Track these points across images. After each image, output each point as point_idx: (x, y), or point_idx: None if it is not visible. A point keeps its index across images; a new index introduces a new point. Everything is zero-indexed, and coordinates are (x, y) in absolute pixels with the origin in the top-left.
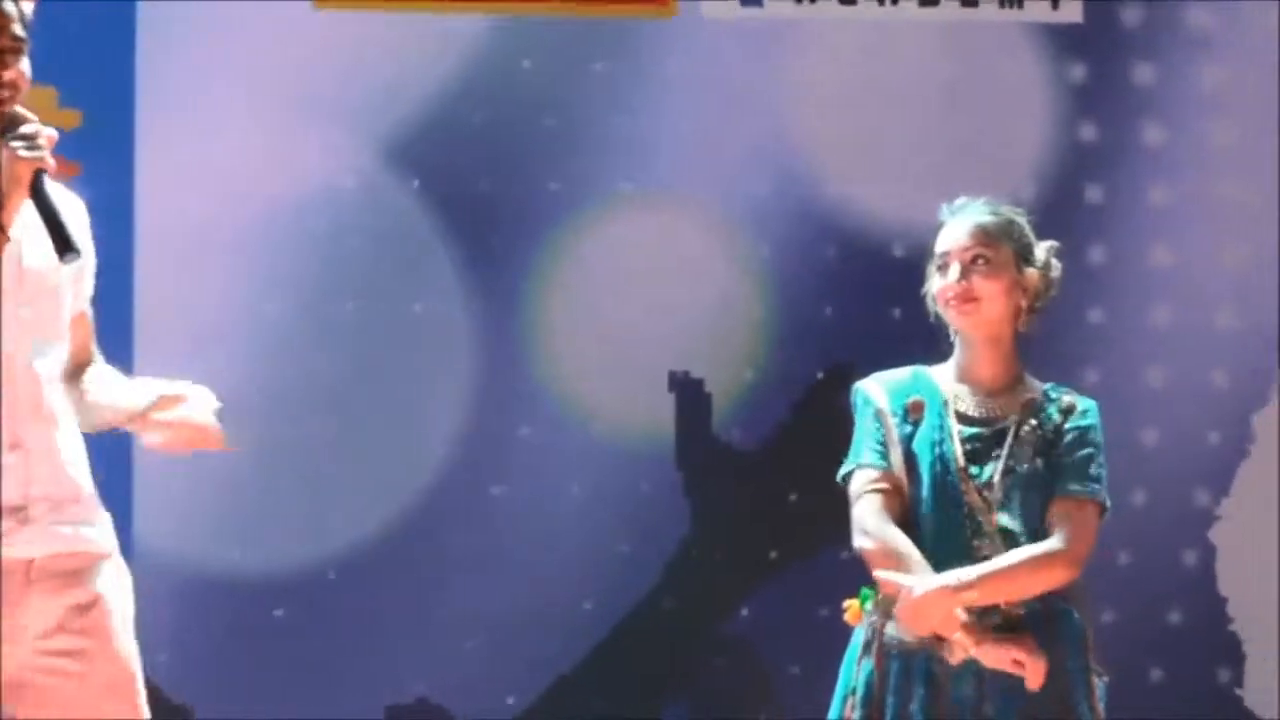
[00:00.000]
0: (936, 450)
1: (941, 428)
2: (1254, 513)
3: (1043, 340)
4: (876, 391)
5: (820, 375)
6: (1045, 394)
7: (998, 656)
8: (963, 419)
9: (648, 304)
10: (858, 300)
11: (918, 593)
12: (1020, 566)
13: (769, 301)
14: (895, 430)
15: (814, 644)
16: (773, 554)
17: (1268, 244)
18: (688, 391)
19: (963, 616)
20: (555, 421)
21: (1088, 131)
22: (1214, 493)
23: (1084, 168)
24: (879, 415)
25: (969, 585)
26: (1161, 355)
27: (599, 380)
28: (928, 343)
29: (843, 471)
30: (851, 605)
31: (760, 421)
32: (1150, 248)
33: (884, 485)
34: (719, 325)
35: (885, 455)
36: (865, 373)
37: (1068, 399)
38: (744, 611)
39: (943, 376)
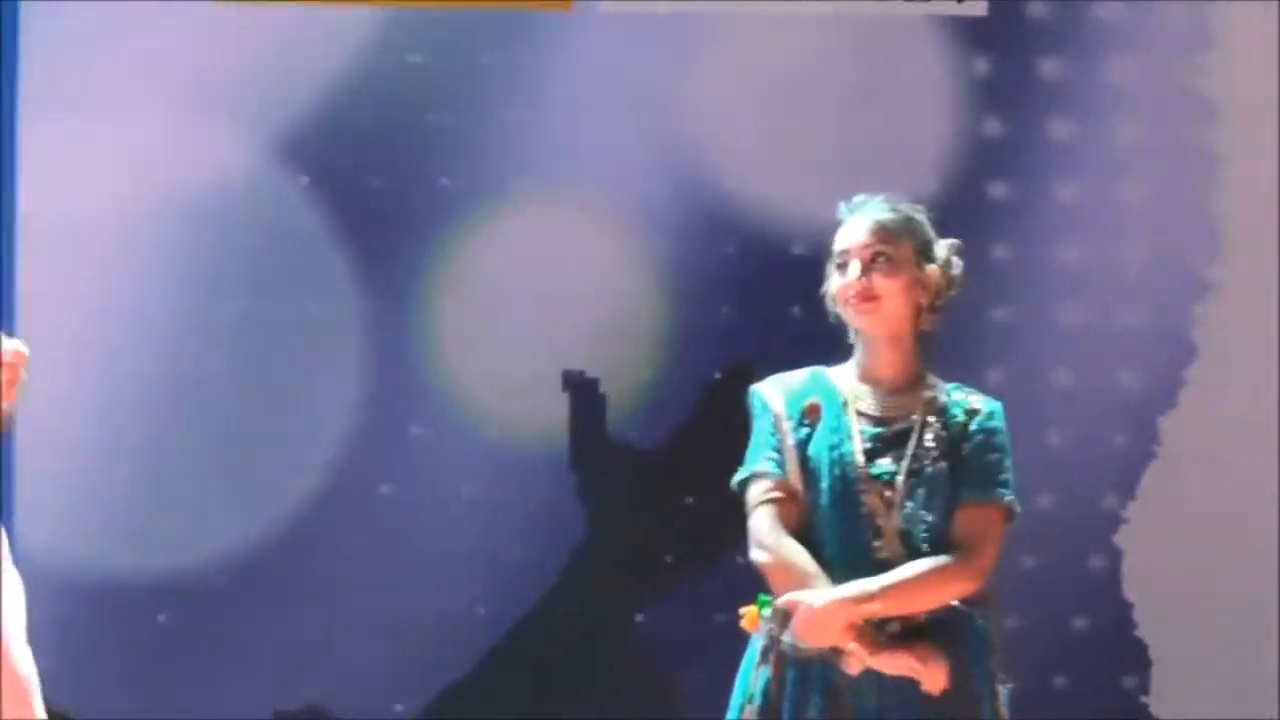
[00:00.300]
0: (835, 452)
1: (840, 429)
2: (1161, 517)
3: (946, 339)
4: (772, 395)
5: (718, 375)
6: (949, 394)
7: (895, 664)
8: (864, 419)
9: (542, 302)
10: (757, 299)
11: (817, 606)
12: (923, 577)
13: (666, 300)
14: (791, 435)
15: (711, 651)
16: (669, 558)
17: (1176, 242)
18: (583, 392)
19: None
20: (447, 422)
21: (992, 127)
22: (1120, 496)
23: (988, 164)
24: (775, 420)
25: (871, 597)
26: (1067, 355)
27: (492, 380)
28: (828, 342)
29: (737, 479)
30: (748, 612)
31: (657, 423)
32: (1056, 245)
33: (779, 494)
34: (615, 324)
35: (781, 463)
36: (764, 373)
37: (972, 400)
38: (640, 617)
39: (843, 377)
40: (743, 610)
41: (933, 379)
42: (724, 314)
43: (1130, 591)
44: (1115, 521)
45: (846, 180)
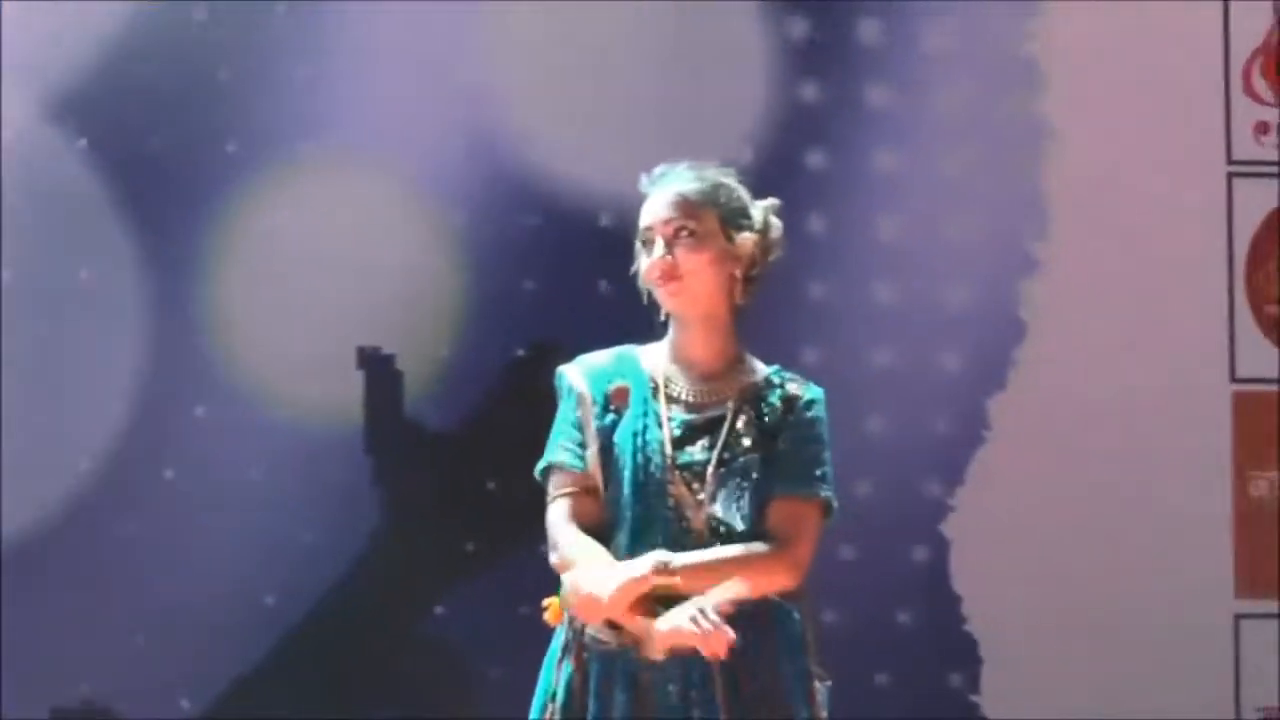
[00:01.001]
0: (641, 439)
1: (647, 414)
2: (990, 505)
3: (758, 317)
4: (577, 378)
5: (521, 353)
6: (768, 379)
7: (676, 622)
8: (674, 404)
9: (334, 274)
10: (562, 273)
11: (612, 585)
12: (733, 563)
13: (465, 274)
14: (595, 421)
15: (514, 644)
16: (469, 546)
17: (1002, 215)
18: (377, 369)
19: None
20: (234, 400)
21: (809, 92)
22: (946, 483)
23: (805, 131)
24: (579, 405)
25: (672, 571)
26: (889, 334)
27: (281, 356)
28: (637, 318)
29: (538, 469)
30: (552, 603)
31: (456, 403)
32: (875, 217)
33: (575, 489)
34: (411, 298)
35: (581, 454)
36: (571, 351)
37: (791, 386)
38: (439, 609)
39: (654, 358)
40: (545, 602)
41: (752, 362)
42: (527, 289)
43: (958, 584)
44: (941, 510)
45: (657, 148)
